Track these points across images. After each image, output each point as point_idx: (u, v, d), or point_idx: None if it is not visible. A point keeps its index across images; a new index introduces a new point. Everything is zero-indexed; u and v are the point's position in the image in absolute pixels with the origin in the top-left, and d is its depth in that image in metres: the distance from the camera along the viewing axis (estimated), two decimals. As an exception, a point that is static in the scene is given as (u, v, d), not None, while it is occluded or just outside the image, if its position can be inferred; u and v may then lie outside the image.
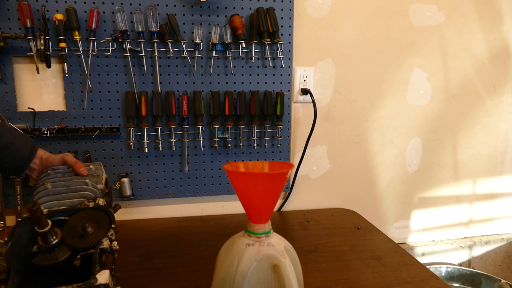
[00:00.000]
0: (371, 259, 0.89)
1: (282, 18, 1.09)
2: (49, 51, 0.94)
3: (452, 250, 1.39)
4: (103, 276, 0.58)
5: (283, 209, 1.24)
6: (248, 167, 0.62)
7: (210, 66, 1.07)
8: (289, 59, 1.13)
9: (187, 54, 1.05)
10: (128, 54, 1.00)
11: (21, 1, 0.92)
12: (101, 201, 0.69)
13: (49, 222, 0.59)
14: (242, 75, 1.10)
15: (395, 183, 1.32)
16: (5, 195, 1.01)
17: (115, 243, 0.62)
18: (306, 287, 0.67)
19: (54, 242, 0.59)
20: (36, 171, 0.78)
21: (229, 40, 1.05)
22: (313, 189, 1.26)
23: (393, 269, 0.85)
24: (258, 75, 1.12)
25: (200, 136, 1.08)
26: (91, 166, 0.79)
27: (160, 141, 1.06)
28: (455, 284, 1.29)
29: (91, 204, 0.67)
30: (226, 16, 1.06)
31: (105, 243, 0.62)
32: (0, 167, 0.79)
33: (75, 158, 0.77)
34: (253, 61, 1.09)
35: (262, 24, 1.05)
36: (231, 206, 1.21)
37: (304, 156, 1.19)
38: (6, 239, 0.58)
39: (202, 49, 1.06)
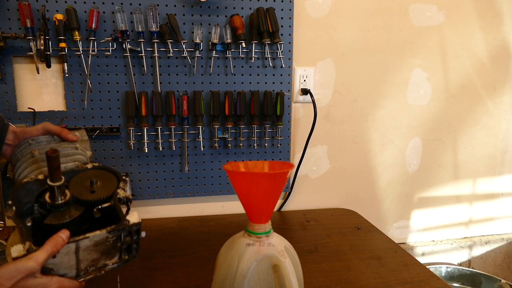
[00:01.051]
0: (371, 259, 0.89)
1: (282, 18, 1.09)
2: (49, 51, 0.94)
3: (452, 250, 1.39)
4: (134, 216, 0.59)
5: (283, 209, 1.24)
6: (248, 167, 0.63)
7: (210, 66, 1.07)
8: (289, 59, 1.13)
9: (187, 54, 1.05)
10: (128, 54, 1.00)
11: (21, 1, 0.92)
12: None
13: (62, 177, 0.56)
14: (242, 75, 1.10)
15: (395, 183, 1.32)
16: (5, 196, 1.01)
17: (128, 193, 0.62)
18: (306, 287, 0.67)
19: (67, 199, 0.57)
20: (12, 149, 0.71)
21: (229, 40, 1.05)
22: (313, 189, 1.26)
23: (393, 269, 0.85)
24: (258, 75, 1.12)
25: (200, 136, 1.08)
26: (76, 133, 0.73)
27: (160, 141, 1.06)
28: (455, 284, 1.29)
29: (89, 166, 0.65)
30: (226, 16, 1.06)
31: (121, 193, 0.61)
32: None
33: (58, 126, 0.72)
34: (253, 61, 1.09)
35: (262, 24, 1.05)
36: (231, 206, 1.21)
37: (304, 156, 1.19)
38: (10, 202, 0.56)
39: (202, 49, 1.06)
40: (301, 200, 1.26)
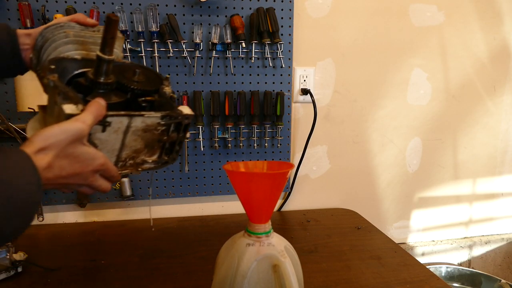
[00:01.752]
0: (371, 259, 0.89)
1: (282, 18, 1.09)
2: (49, 51, 0.94)
3: (452, 250, 1.39)
4: (186, 109, 0.56)
5: (283, 209, 1.24)
6: (248, 167, 0.62)
7: (210, 66, 1.07)
8: (289, 59, 1.13)
9: (187, 54, 1.05)
10: (128, 54, 1.00)
11: (21, 1, 0.92)
12: None
13: (113, 52, 0.52)
14: (242, 75, 1.10)
15: (395, 183, 1.32)
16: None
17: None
18: (306, 287, 0.67)
19: (111, 80, 0.53)
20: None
21: (229, 40, 1.05)
22: (313, 189, 1.26)
23: (393, 269, 0.85)
24: (258, 75, 1.12)
25: (200, 136, 1.08)
26: None
27: (160, 141, 1.06)
28: (455, 284, 1.29)
29: (127, 61, 0.61)
30: (226, 16, 1.06)
31: (167, 89, 0.58)
32: None
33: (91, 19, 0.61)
34: (253, 61, 1.09)
35: (262, 24, 1.05)
36: (231, 206, 1.21)
37: (304, 156, 1.19)
38: (53, 66, 0.50)
39: (202, 49, 1.06)
40: (301, 200, 1.26)
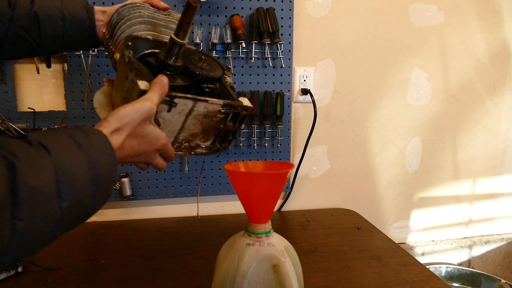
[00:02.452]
0: (371, 259, 0.89)
1: (282, 18, 1.09)
2: (49, 51, 0.94)
3: (452, 250, 1.39)
4: (245, 100, 0.58)
5: (283, 209, 1.24)
6: (248, 167, 0.63)
7: (210, 66, 1.07)
8: (289, 59, 1.13)
9: (187, 54, 1.05)
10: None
11: None
12: None
13: (187, 38, 0.54)
14: (242, 75, 1.10)
15: (395, 183, 1.32)
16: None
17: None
18: (306, 287, 0.67)
19: (179, 63, 0.55)
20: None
21: (229, 40, 1.05)
22: (313, 189, 1.26)
23: (393, 269, 0.85)
24: (258, 75, 1.12)
25: (200, 136, 1.08)
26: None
27: (160, 141, 1.06)
28: (455, 284, 1.29)
29: (193, 48, 0.63)
30: (226, 16, 1.06)
31: (228, 79, 0.60)
32: (67, 45, 0.65)
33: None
34: (253, 61, 1.09)
35: (262, 24, 1.05)
36: (231, 206, 1.21)
37: (304, 156, 1.19)
38: (130, 43, 0.53)
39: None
40: (301, 200, 1.26)
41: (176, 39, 0.53)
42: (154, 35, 0.60)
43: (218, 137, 0.62)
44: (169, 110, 0.51)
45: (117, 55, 0.58)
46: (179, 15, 0.64)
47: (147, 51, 0.58)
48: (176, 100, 0.51)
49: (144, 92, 0.48)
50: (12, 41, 0.59)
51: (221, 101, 0.55)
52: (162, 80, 0.49)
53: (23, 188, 0.30)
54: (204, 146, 0.61)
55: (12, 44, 0.59)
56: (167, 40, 0.57)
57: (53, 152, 0.34)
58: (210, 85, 0.60)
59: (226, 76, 0.61)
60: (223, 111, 0.57)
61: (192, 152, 0.60)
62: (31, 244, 0.32)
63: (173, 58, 0.55)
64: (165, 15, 0.64)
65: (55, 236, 0.35)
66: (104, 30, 0.64)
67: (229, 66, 0.64)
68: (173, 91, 0.51)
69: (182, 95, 0.52)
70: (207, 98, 0.54)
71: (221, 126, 0.59)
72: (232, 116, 0.59)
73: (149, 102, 0.46)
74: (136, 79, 0.49)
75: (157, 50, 0.58)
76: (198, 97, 0.53)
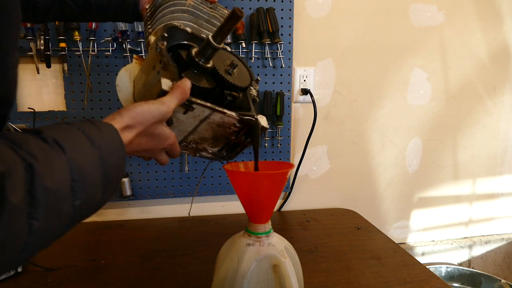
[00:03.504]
0: (371, 259, 0.89)
1: (282, 18, 1.09)
2: (49, 51, 0.94)
3: (452, 250, 1.39)
4: (263, 120, 0.57)
5: (283, 209, 1.24)
6: (248, 167, 0.63)
7: (210, 66, 1.07)
8: (289, 59, 1.13)
9: (187, 54, 1.05)
10: (128, 54, 1.00)
11: (21, 1, 0.92)
12: None
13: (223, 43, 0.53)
14: (242, 75, 1.10)
15: (395, 183, 1.32)
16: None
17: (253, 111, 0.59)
18: (306, 287, 0.67)
19: (209, 65, 0.54)
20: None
21: (229, 40, 1.05)
22: (313, 189, 1.26)
23: (393, 269, 0.85)
24: (258, 75, 1.11)
25: (200, 136, 1.08)
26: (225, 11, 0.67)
27: (160, 141, 1.06)
28: (455, 284, 1.29)
29: (229, 50, 0.62)
30: (226, 16, 1.06)
31: (253, 91, 0.59)
32: (110, 16, 0.69)
33: None
34: (253, 61, 1.09)
35: (262, 24, 1.05)
36: (231, 206, 1.21)
37: (304, 156, 1.19)
38: (166, 35, 0.53)
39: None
40: (301, 200, 1.26)
41: (213, 42, 0.52)
42: (193, 27, 0.59)
43: (227, 146, 0.61)
44: (185, 113, 0.51)
45: (152, 38, 0.57)
46: (224, 11, 0.64)
47: (182, 42, 0.57)
48: (194, 106, 0.51)
49: (164, 93, 0.48)
50: (59, 7, 0.64)
51: (238, 116, 0.54)
52: (185, 85, 0.49)
53: (40, 189, 0.30)
54: (210, 151, 0.60)
55: (58, 9, 0.65)
56: (204, 36, 0.57)
57: (68, 151, 0.34)
58: (234, 93, 0.58)
59: (252, 88, 0.60)
60: (238, 125, 0.56)
61: (198, 154, 0.60)
62: (45, 242, 0.33)
63: (204, 59, 0.54)
64: (210, 7, 0.63)
65: (66, 231, 0.36)
66: (147, 7, 0.65)
67: (258, 78, 0.63)
68: (194, 93, 0.50)
69: (202, 102, 0.51)
70: (225, 111, 0.53)
71: (233, 137, 0.59)
72: (245, 131, 0.58)
73: (166, 106, 0.47)
74: (161, 75, 0.49)
75: (191, 43, 0.57)
76: (217, 108, 0.52)
